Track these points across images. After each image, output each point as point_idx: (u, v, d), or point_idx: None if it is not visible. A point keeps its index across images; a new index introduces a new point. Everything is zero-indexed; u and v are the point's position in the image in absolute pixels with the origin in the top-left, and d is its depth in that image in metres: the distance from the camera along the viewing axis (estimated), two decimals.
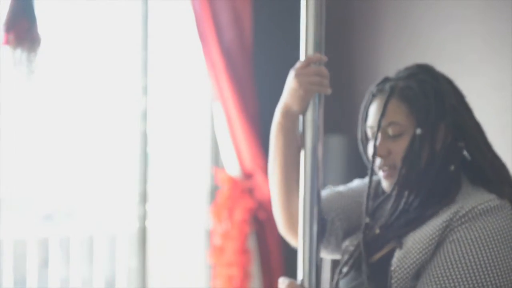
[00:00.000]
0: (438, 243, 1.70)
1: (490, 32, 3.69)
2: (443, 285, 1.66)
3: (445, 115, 1.79)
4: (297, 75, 1.77)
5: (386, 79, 1.90)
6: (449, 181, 1.79)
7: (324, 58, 1.79)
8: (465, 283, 1.66)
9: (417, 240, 1.72)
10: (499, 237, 1.69)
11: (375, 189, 1.89)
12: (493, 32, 3.68)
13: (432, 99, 1.80)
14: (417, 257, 1.70)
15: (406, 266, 1.70)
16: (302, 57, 1.79)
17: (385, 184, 1.84)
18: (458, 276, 1.66)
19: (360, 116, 1.90)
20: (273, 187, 1.95)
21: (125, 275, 4.36)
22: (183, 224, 4.42)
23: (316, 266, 1.68)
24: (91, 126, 4.18)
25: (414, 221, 1.76)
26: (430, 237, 1.70)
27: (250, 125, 3.99)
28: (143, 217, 4.06)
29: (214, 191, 4.21)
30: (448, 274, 1.67)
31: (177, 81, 4.29)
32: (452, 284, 1.66)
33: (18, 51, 2.75)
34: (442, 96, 1.81)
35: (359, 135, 1.93)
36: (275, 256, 4.08)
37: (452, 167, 1.79)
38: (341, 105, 4.27)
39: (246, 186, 4.06)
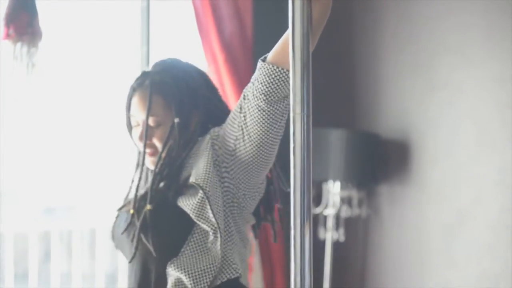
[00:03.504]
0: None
1: (491, 25, 3.68)
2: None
3: (198, 103, 2.13)
4: None
5: (144, 74, 2.18)
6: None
7: None
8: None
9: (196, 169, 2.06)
10: None
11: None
12: (495, 25, 3.67)
13: (185, 92, 2.12)
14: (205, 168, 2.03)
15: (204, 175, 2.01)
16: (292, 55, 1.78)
17: (148, 161, 2.17)
18: None
19: (125, 106, 2.19)
20: None
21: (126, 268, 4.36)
22: None
23: (309, 266, 1.67)
24: (93, 120, 4.18)
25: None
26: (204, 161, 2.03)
27: None
28: None
29: None
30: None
31: None
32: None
33: (19, 45, 2.75)
34: (195, 88, 2.14)
35: (126, 121, 2.22)
36: (275, 248, 4.09)
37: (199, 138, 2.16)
38: (342, 100, 4.27)
39: None
